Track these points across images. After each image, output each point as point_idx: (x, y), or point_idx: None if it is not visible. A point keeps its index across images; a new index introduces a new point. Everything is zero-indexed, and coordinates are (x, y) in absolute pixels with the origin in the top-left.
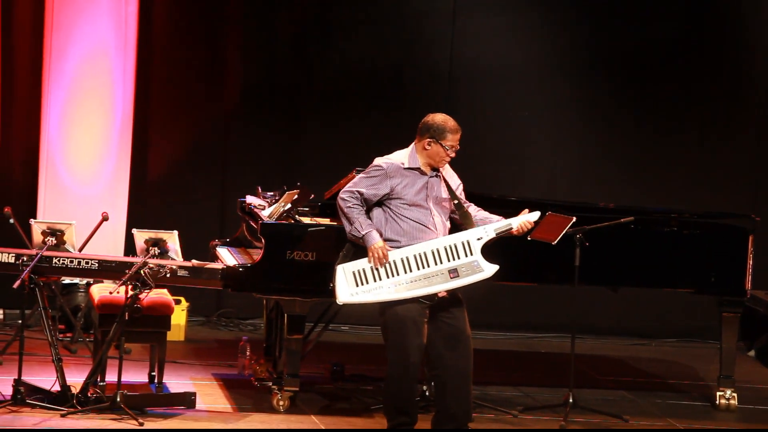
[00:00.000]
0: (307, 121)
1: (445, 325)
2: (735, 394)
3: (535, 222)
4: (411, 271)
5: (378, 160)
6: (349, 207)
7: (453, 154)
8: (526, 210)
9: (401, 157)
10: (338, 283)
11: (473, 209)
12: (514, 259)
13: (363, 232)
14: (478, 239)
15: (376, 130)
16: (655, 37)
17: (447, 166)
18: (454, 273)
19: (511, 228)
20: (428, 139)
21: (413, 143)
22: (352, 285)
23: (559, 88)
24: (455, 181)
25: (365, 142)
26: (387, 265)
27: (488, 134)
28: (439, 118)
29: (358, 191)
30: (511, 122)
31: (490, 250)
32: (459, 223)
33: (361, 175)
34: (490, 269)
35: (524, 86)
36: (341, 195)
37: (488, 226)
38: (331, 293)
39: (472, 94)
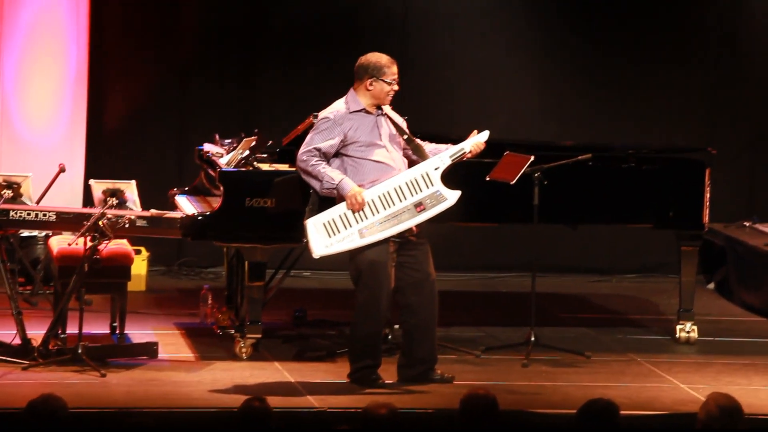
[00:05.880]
0: (264, 67)
1: (411, 270)
2: (695, 327)
3: (485, 142)
4: (378, 212)
5: (323, 113)
6: (313, 164)
7: (397, 87)
8: (475, 131)
9: (342, 104)
10: (311, 237)
11: (421, 143)
12: (474, 199)
13: (335, 182)
14: (436, 169)
15: (332, 75)
16: None
17: (388, 106)
18: (420, 206)
19: (465, 151)
20: (369, 80)
21: (350, 90)
22: (324, 237)
23: (517, 28)
24: (399, 118)
25: (322, 88)
26: (356, 211)
27: (445, 76)
28: (372, 57)
29: (315, 148)
30: (468, 63)
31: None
32: (411, 158)
33: (311, 133)
34: (453, 196)
35: (481, 26)
36: (300, 157)
37: (442, 154)
38: (291, 239)
39: (429, 36)
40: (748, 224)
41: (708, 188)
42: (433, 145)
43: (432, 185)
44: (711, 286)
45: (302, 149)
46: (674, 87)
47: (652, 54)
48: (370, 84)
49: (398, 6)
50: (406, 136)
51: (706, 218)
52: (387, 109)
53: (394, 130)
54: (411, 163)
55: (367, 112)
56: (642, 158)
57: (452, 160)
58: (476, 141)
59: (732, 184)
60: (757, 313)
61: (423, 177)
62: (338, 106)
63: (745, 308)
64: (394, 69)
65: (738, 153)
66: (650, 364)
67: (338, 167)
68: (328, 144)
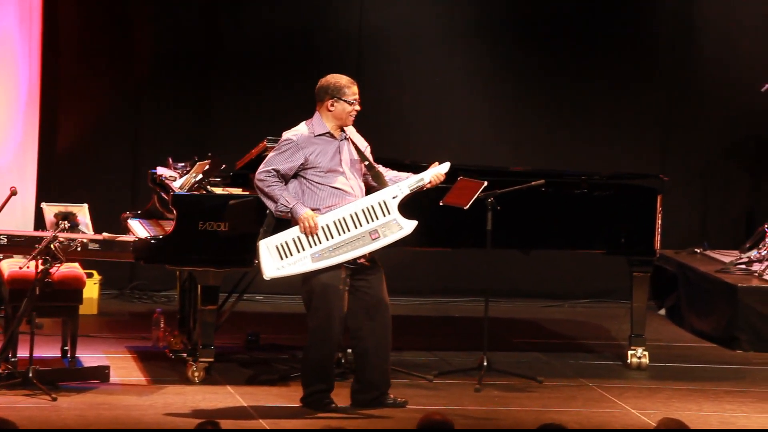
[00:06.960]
0: (218, 91)
1: (365, 295)
2: (646, 353)
3: (446, 174)
4: (333, 237)
5: (286, 134)
6: (270, 186)
7: (359, 107)
8: (436, 162)
9: (306, 127)
10: (263, 259)
11: (382, 170)
12: (427, 224)
13: (290, 206)
14: (394, 197)
15: (286, 98)
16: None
17: (353, 129)
18: (375, 234)
19: (424, 182)
20: (330, 101)
21: (315, 112)
22: (276, 259)
23: (471, 52)
24: (363, 144)
25: (276, 111)
26: (309, 235)
27: (400, 100)
28: (331, 78)
29: (273, 169)
30: (422, 88)
31: (404, 215)
32: (371, 185)
33: (272, 153)
34: (409, 226)
35: (435, 51)
36: (258, 176)
37: (401, 183)
38: (244, 263)
39: (383, 60)
40: (699, 251)
41: (660, 215)
42: (394, 172)
43: (389, 213)
44: (662, 311)
45: (261, 168)
46: (627, 113)
47: (604, 80)
48: (332, 105)
49: (353, 31)
50: (367, 163)
51: (658, 244)
52: (352, 132)
53: (356, 156)
54: (370, 190)
55: (332, 136)
56: (594, 184)
57: (411, 190)
58: (436, 172)
59: (684, 210)
60: (708, 339)
61: (380, 205)
62: (302, 129)
63: (696, 334)
64: (355, 89)
65: (690, 180)
66: (602, 389)
67: (295, 189)
68: (288, 166)
